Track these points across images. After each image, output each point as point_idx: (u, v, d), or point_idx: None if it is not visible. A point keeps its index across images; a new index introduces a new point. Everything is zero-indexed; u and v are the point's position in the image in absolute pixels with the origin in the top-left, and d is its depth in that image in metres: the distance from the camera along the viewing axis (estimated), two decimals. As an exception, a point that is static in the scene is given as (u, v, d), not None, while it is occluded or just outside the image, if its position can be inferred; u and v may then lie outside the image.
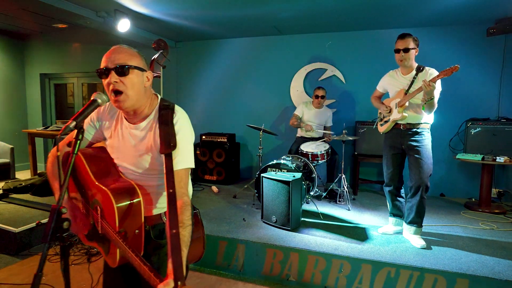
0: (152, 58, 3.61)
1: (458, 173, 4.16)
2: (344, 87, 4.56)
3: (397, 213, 2.82)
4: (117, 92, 1.11)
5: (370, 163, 4.44)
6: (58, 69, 6.06)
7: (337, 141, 4.16)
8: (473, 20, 3.82)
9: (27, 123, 6.28)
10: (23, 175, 5.29)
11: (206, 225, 2.97)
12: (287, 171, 3.23)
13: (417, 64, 2.60)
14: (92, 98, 1.02)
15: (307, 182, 3.38)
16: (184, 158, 1.16)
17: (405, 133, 2.62)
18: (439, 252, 2.48)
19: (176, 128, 1.16)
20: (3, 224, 3.03)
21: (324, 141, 3.90)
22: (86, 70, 5.88)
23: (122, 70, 1.10)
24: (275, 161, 3.41)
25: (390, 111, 2.71)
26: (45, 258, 0.82)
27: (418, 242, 2.58)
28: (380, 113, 2.88)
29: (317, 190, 3.93)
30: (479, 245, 2.63)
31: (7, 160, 4.94)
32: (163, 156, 1.11)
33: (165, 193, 1.24)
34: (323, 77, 4.64)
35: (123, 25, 3.67)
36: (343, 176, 3.71)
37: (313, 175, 3.54)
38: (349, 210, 3.52)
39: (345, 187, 3.70)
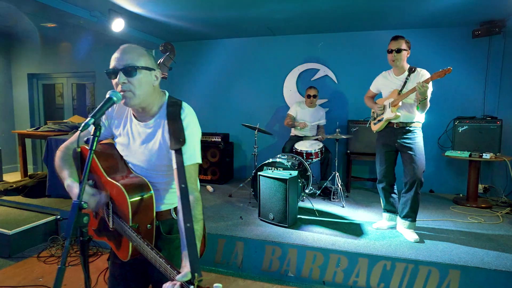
0: (158, 62, 3.61)
1: (446, 170, 4.30)
2: (336, 87, 4.65)
3: (391, 208, 2.91)
4: (125, 92, 1.12)
5: (362, 161, 4.54)
6: (47, 69, 5.95)
7: (330, 140, 4.24)
8: (459, 23, 3.97)
9: (14, 124, 6.13)
10: (10, 177, 5.17)
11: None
12: (283, 169, 3.28)
13: (409, 65, 2.70)
14: (107, 96, 1.04)
15: (302, 180, 3.44)
16: (193, 153, 1.17)
17: (398, 131, 2.71)
18: (432, 245, 2.58)
19: (184, 124, 1.17)
20: (-4, 227, 2.99)
21: (317, 139, 3.98)
22: (76, 70, 5.79)
23: (130, 71, 1.11)
24: (271, 160, 3.46)
25: (384, 110, 2.80)
26: (68, 252, 0.83)
27: (411, 236, 2.67)
28: (373, 112, 2.97)
29: (312, 188, 3.99)
30: (468, 238, 2.75)
31: (-5, 162, 4.82)
32: (172, 152, 1.12)
33: (172, 190, 1.28)
34: (316, 77, 4.72)
35: (117, 25, 3.65)
36: (337, 174, 3.79)
37: (308, 173, 3.60)
38: (343, 207, 3.60)
39: (339, 185, 3.78)
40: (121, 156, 1.28)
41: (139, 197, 1.12)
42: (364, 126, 4.21)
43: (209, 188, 4.32)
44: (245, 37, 4.97)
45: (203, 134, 4.74)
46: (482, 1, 3.23)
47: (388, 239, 2.72)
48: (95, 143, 0.96)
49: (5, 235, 2.95)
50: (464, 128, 3.81)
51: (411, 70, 2.66)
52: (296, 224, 3.04)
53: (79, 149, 0.95)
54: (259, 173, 3.16)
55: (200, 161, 1.20)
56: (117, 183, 1.12)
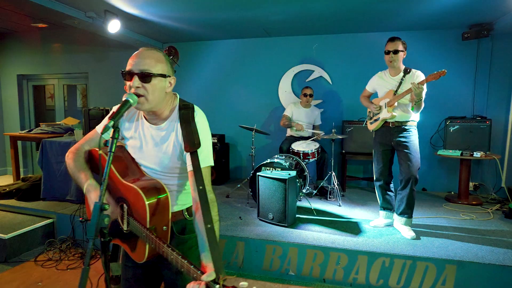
0: None
1: (438, 169, 4.42)
2: (331, 88, 4.72)
3: (387, 206, 2.99)
4: (138, 96, 1.12)
5: (357, 161, 4.62)
6: (37, 70, 5.84)
7: (325, 140, 4.30)
8: (449, 26, 4.10)
9: (3, 127, 5.99)
10: (1, 181, 5.06)
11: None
12: (281, 170, 3.32)
13: (404, 66, 2.77)
14: (123, 99, 1.05)
15: (300, 180, 3.49)
16: (207, 156, 1.20)
17: (394, 130, 2.78)
18: (428, 242, 2.65)
19: (198, 127, 1.20)
20: (-9, 231, 2.93)
21: (313, 139, 4.03)
22: (68, 71, 5.70)
23: (145, 77, 1.11)
24: (269, 160, 3.50)
25: (380, 110, 2.86)
26: (91, 253, 0.85)
27: (408, 233, 2.75)
28: (369, 112, 3.03)
29: (308, 187, 4.05)
30: (462, 234, 2.84)
31: (-15, 165, 4.71)
32: (187, 155, 1.14)
33: (185, 191, 1.29)
34: (311, 78, 4.78)
35: (113, 26, 3.62)
36: (333, 173, 3.85)
37: (305, 173, 3.65)
38: (340, 206, 3.66)
39: (335, 184, 3.84)
40: (133, 159, 1.28)
41: (156, 199, 1.13)
42: (358, 126, 4.29)
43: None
44: (241, 38, 4.99)
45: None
46: (472, 5, 3.34)
47: (386, 236, 2.78)
48: (114, 145, 0.97)
49: (1, 239, 2.90)
50: (455, 127, 3.93)
51: (406, 71, 2.74)
52: (295, 223, 3.08)
53: (100, 151, 0.96)
54: (258, 173, 3.19)
55: (213, 163, 1.22)
56: (133, 186, 1.13)
